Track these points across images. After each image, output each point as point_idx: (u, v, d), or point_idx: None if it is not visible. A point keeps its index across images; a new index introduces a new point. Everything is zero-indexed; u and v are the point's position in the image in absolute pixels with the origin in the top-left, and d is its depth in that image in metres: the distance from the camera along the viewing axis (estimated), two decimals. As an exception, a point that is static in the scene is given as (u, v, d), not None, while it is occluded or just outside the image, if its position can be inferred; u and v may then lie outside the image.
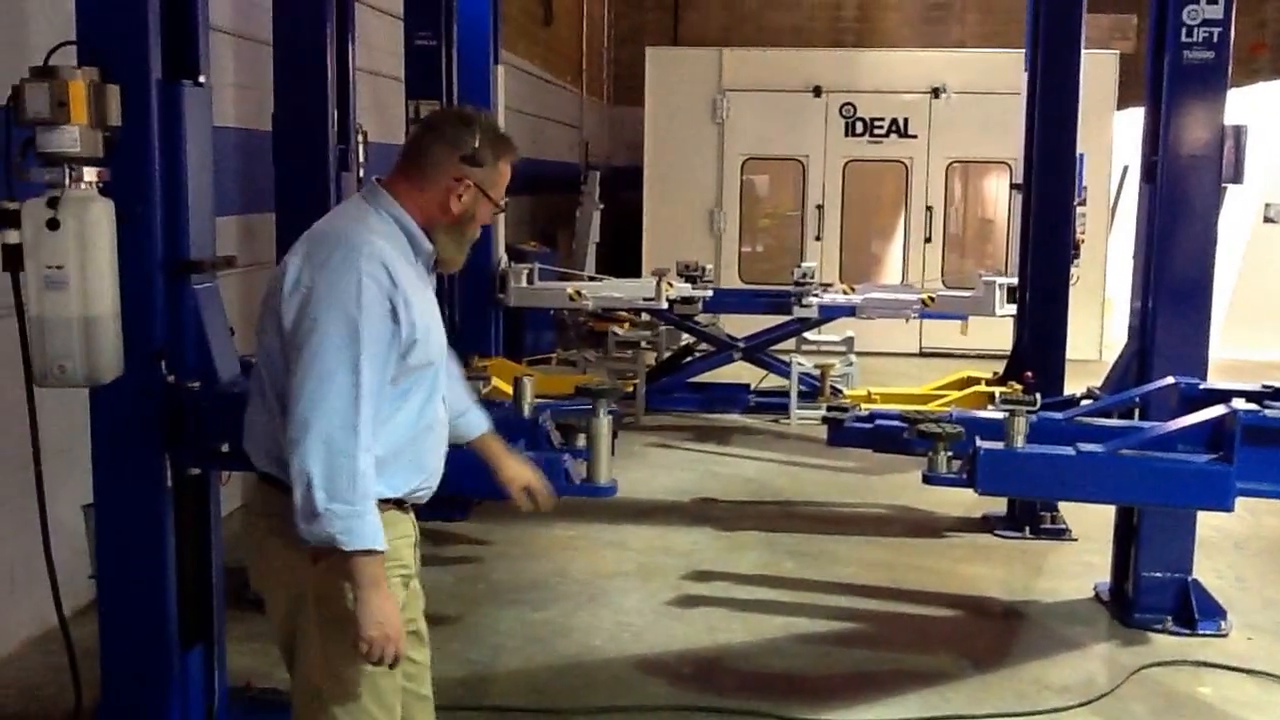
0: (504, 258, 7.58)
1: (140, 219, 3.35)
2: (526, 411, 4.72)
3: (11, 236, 3.09)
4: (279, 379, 2.46)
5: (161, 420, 3.49)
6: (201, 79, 3.51)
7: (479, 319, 7.22)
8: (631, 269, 11.47)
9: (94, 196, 3.16)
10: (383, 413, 2.43)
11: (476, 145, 2.53)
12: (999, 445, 4.28)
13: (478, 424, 2.99)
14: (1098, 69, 10.81)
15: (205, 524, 3.68)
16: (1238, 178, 5.25)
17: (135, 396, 3.41)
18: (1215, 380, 4.86)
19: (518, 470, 3.05)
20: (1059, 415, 4.91)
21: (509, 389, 5.12)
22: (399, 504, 2.60)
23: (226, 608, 3.83)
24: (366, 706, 2.53)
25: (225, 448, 3.54)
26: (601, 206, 12.43)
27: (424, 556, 5.48)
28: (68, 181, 3.10)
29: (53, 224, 3.06)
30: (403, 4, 6.87)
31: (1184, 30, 5.09)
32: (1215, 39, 5.09)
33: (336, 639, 2.46)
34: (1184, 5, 5.08)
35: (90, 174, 3.15)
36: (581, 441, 4.28)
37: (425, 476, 2.61)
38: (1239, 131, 5.20)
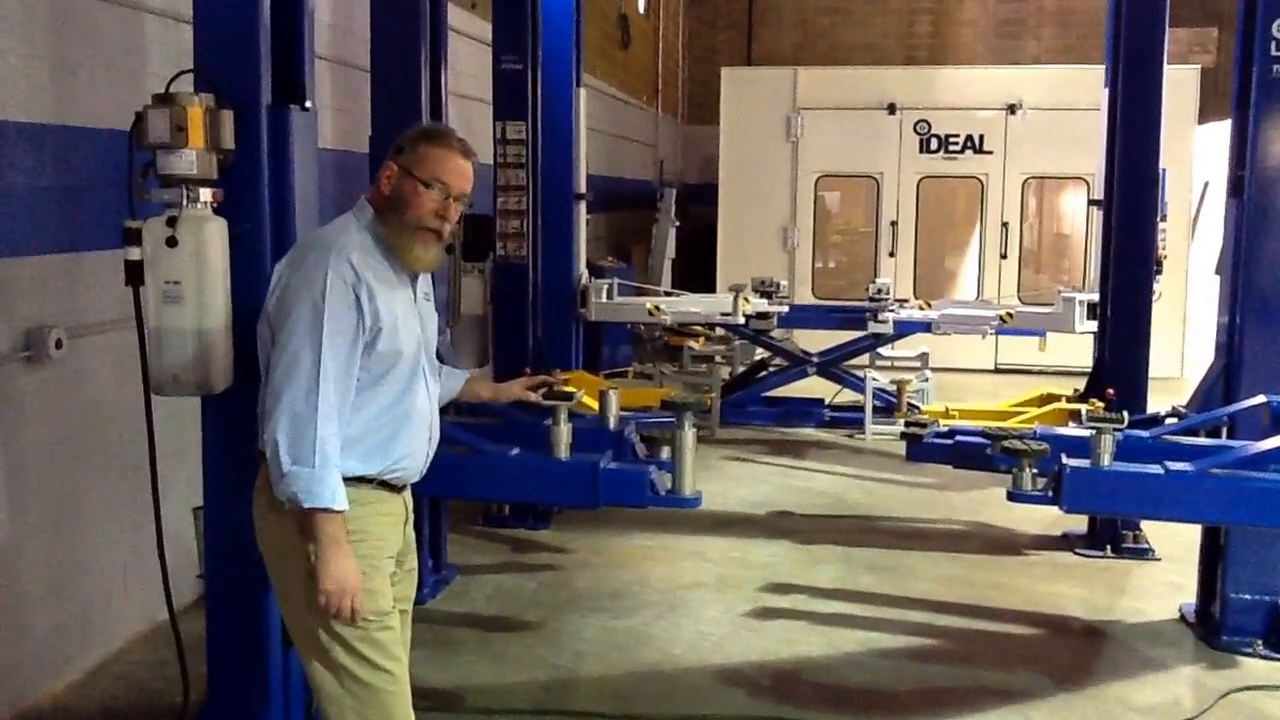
0: (584, 273, 7.68)
1: (250, 237, 3.49)
2: (612, 423, 4.84)
3: (134, 253, 3.27)
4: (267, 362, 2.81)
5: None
6: (308, 104, 3.66)
7: (560, 333, 7.33)
8: (705, 285, 11.55)
9: (209, 216, 3.32)
10: (360, 398, 2.77)
11: (404, 141, 2.88)
12: (1085, 463, 4.27)
13: (459, 376, 3.45)
14: (1178, 83, 10.68)
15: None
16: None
17: (244, 404, 3.53)
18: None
19: (507, 389, 3.63)
20: (1145, 433, 4.89)
21: (592, 402, 5.24)
22: (385, 485, 2.87)
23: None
24: (363, 654, 2.78)
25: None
26: (677, 223, 12.53)
27: (506, 564, 5.63)
28: (185, 201, 3.28)
29: (171, 241, 3.23)
30: (490, 30, 7.03)
31: (1272, 43, 5.06)
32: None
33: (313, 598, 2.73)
34: (1272, 18, 5.05)
35: (206, 194, 3.32)
36: (665, 453, 4.37)
37: (397, 459, 2.87)
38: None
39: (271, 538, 2.85)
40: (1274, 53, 5.05)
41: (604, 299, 7.61)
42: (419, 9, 5.38)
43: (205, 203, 3.32)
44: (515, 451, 4.33)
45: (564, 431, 4.28)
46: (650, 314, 7.73)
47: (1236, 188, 5.32)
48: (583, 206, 7.66)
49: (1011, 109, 11.87)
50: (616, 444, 4.66)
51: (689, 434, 4.16)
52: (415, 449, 2.92)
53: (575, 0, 7.56)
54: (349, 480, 2.74)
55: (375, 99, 5.47)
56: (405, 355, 2.83)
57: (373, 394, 2.80)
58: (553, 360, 7.04)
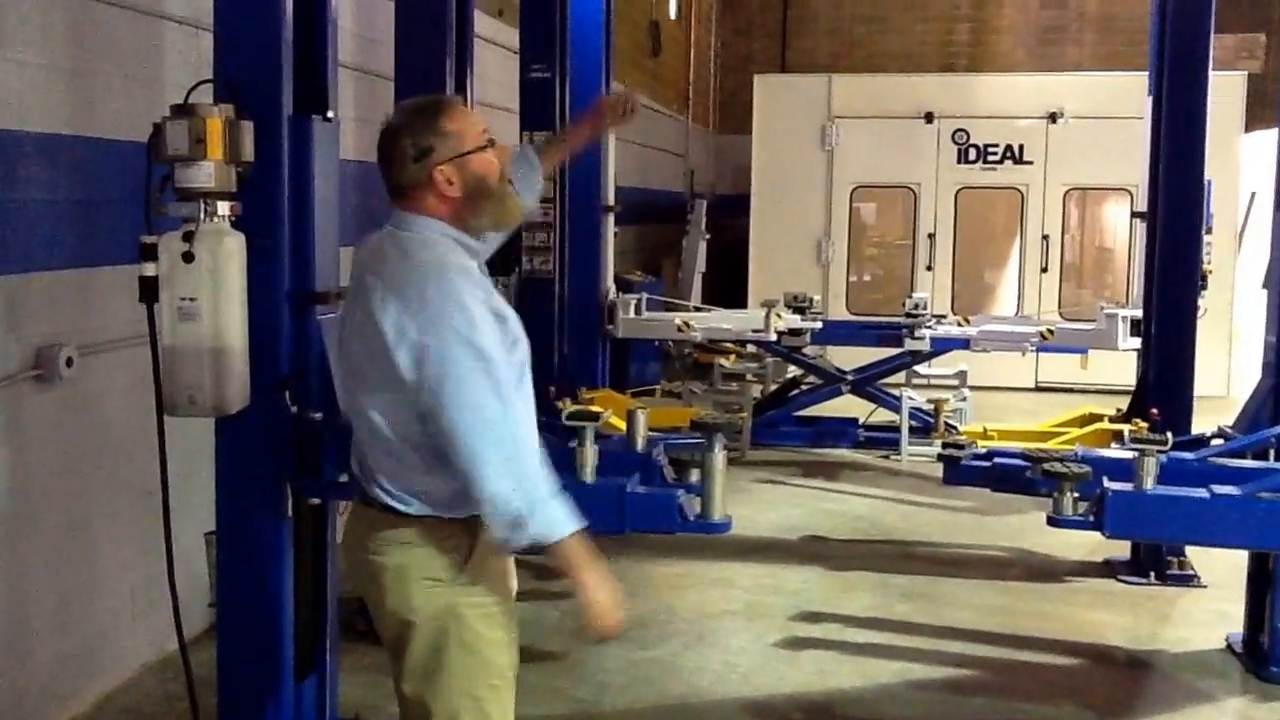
0: (612, 288, 7.57)
1: (269, 252, 3.42)
2: (640, 445, 4.70)
3: (149, 269, 3.19)
4: (404, 424, 2.51)
5: (284, 450, 3.53)
6: (330, 114, 3.58)
7: (587, 350, 7.24)
8: (737, 298, 11.39)
9: (227, 230, 3.24)
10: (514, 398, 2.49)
11: (416, 142, 2.57)
12: (1128, 486, 4.12)
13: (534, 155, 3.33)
14: (1224, 90, 10.42)
15: (322, 554, 3.71)
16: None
17: (259, 426, 3.46)
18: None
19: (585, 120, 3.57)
20: (1190, 455, 4.72)
21: (619, 422, 5.11)
22: None
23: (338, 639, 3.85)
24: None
25: (345, 478, 3.56)
26: (708, 236, 12.39)
27: (529, 591, 5.50)
28: (203, 215, 3.19)
29: (187, 257, 3.16)
30: (518, 38, 6.95)
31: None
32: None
33: (469, 661, 2.56)
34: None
35: (224, 208, 3.24)
36: (695, 476, 4.24)
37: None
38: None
39: (425, 610, 2.57)
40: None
41: (632, 314, 7.49)
42: (445, 16, 5.29)
43: (223, 217, 3.25)
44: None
45: (590, 453, 4.17)
46: (679, 330, 7.60)
47: (1280, 201, 5.15)
48: (611, 219, 7.56)
49: (1052, 118, 11.66)
50: (644, 467, 4.53)
51: (719, 457, 4.04)
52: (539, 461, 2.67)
53: (605, 7, 7.48)
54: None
55: (400, 108, 5.39)
56: (527, 359, 2.61)
57: (517, 393, 2.53)
58: (579, 378, 6.94)
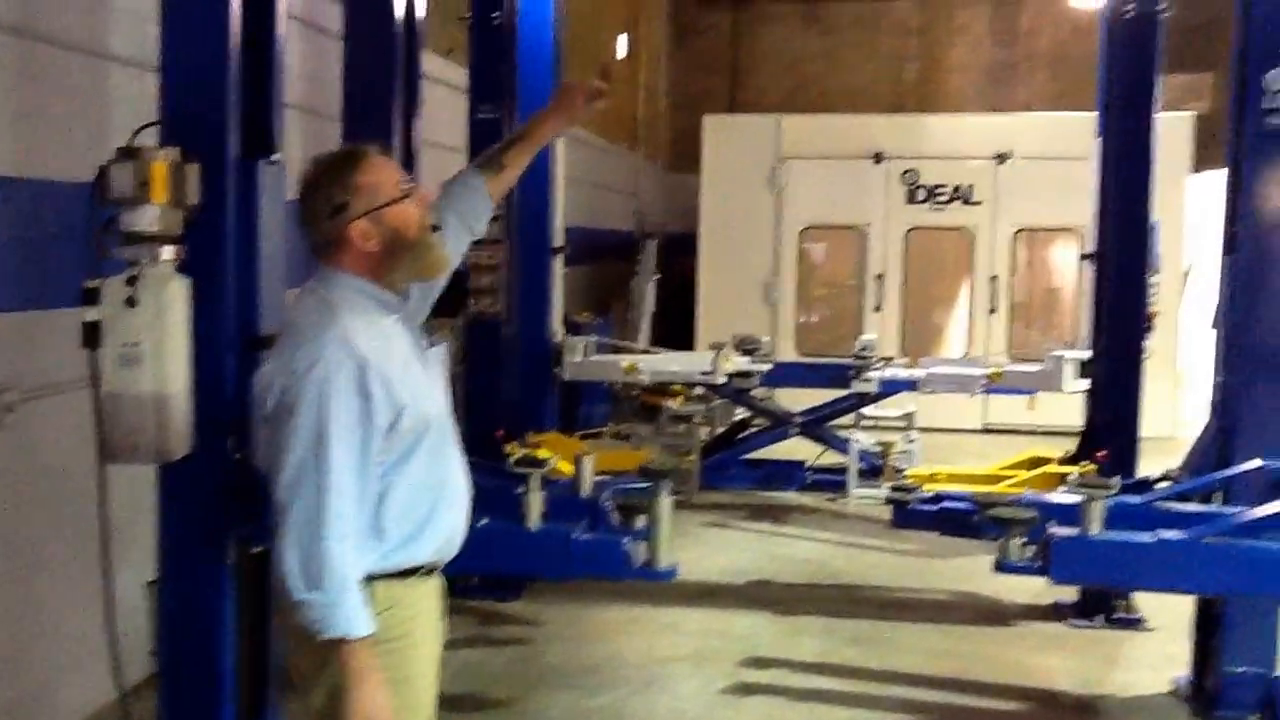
0: (560, 330, 7.52)
1: (215, 296, 3.38)
2: (587, 491, 4.67)
3: (91, 314, 3.14)
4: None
5: (228, 497, 3.46)
6: (276, 156, 3.54)
7: (535, 393, 7.17)
8: (687, 338, 11.38)
9: (172, 274, 3.21)
10: (390, 480, 2.46)
11: (330, 198, 2.53)
12: (1074, 531, 4.14)
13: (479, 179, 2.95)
14: (1171, 131, 10.60)
15: (264, 603, 3.63)
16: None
17: (202, 473, 3.40)
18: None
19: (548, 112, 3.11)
20: (1137, 499, 4.75)
21: (566, 465, 5.08)
22: (427, 571, 2.59)
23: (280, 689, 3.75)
24: None
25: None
26: (658, 276, 12.38)
27: (474, 637, 5.42)
28: (147, 259, 3.15)
29: (131, 301, 3.11)
30: (467, 77, 6.92)
31: (1264, 95, 4.95)
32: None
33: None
34: (1263, 69, 4.94)
35: (169, 252, 3.20)
36: (642, 522, 4.22)
37: (439, 538, 2.59)
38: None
39: (296, 661, 2.55)
40: (1266, 105, 4.95)
41: (580, 357, 7.44)
42: (392, 56, 5.25)
43: (168, 260, 3.20)
44: (484, 521, 4.14)
45: (536, 500, 4.16)
46: (627, 373, 7.56)
47: (1230, 244, 5.21)
48: (559, 260, 7.52)
49: (1001, 158, 11.75)
50: (591, 512, 4.51)
51: (665, 503, 4.04)
52: (456, 520, 2.64)
53: (554, 47, 7.48)
54: (388, 577, 2.48)
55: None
56: (432, 420, 2.54)
57: (403, 472, 2.49)
58: (528, 421, 6.87)
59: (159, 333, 3.14)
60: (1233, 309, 5.08)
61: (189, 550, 3.49)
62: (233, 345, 3.45)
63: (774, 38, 18.89)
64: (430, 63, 6.99)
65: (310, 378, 2.39)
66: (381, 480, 2.46)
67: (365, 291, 2.54)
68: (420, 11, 5.32)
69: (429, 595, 2.64)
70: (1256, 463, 4.60)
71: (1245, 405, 4.94)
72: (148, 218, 3.12)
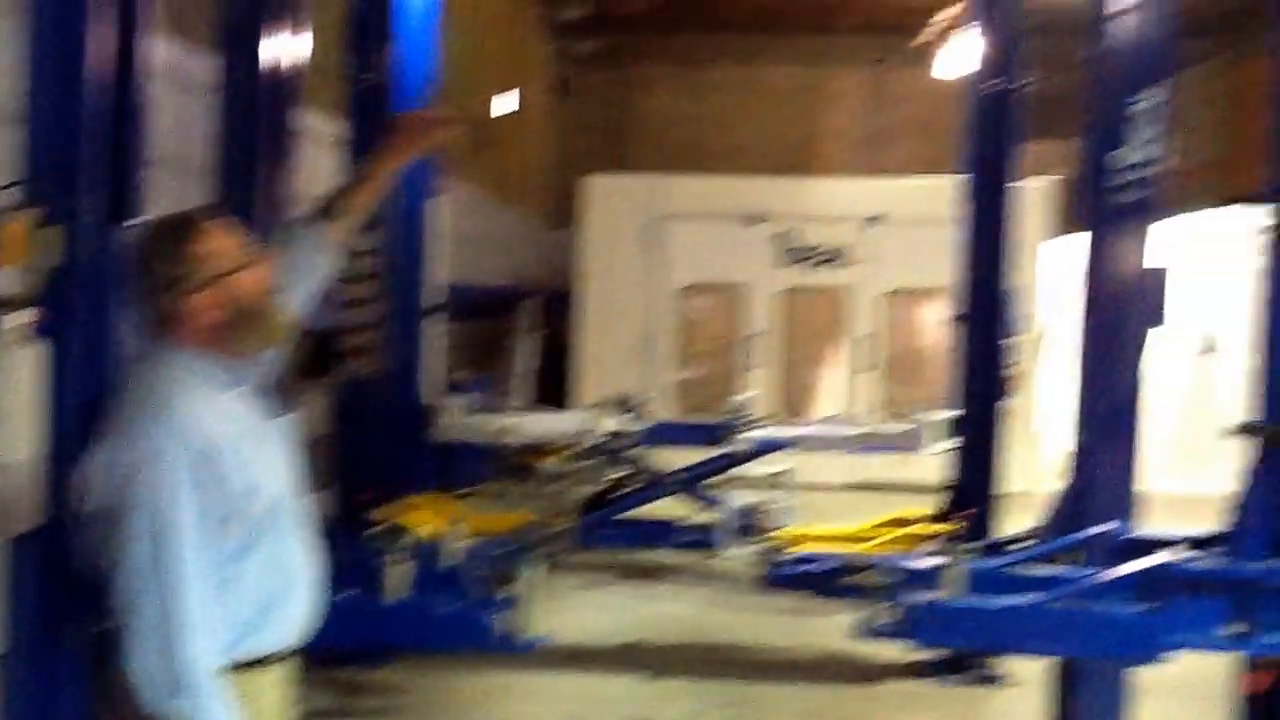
0: (436, 389, 7.45)
1: (70, 361, 3.24)
2: (453, 560, 4.60)
3: (-66, 382, 2.98)
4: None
5: (75, 573, 3.31)
6: (141, 217, 3.44)
7: (410, 454, 7.06)
8: (566, 396, 11.36)
9: (27, 338, 3.05)
10: (234, 570, 2.33)
11: (166, 271, 2.44)
12: (935, 595, 4.21)
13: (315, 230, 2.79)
14: (1033, 197, 11.03)
15: (110, 682, 3.49)
16: (1159, 320, 5.31)
17: (49, 547, 3.23)
18: (1157, 515, 4.85)
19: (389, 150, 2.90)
20: (996, 561, 4.84)
21: (438, 526, 5.01)
22: (275, 659, 2.47)
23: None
24: None
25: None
26: (539, 333, 12.37)
27: (336, 710, 5.26)
28: (3, 324, 3.00)
29: None
30: (348, 133, 6.86)
31: (1113, 172, 5.17)
32: (1144, 181, 5.17)
33: None
34: (1112, 146, 5.16)
35: (24, 316, 3.04)
36: (509, 591, 4.18)
37: (286, 624, 2.47)
38: (1160, 274, 5.27)
39: None
40: (1113, 181, 5.17)
41: (456, 418, 7.37)
42: (268, 109, 5.15)
43: (22, 324, 3.06)
44: (346, 593, 4.05)
45: (400, 571, 4.08)
46: (502, 434, 7.51)
47: (1086, 309, 5.41)
48: (437, 319, 7.46)
49: (875, 220, 12.06)
50: (457, 582, 4.44)
51: (533, 573, 4.00)
52: (302, 607, 2.52)
53: (435, 102, 7.46)
54: (229, 670, 2.33)
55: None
56: (277, 503, 2.43)
57: (246, 561, 2.37)
58: (401, 484, 6.76)
59: (8, 400, 3.02)
60: (1085, 372, 5.27)
61: (33, 627, 3.33)
62: (88, 414, 3.32)
63: (656, 98, 19.20)
64: (310, 116, 6.92)
65: (145, 472, 2.27)
66: (222, 570, 2.33)
67: (204, 369, 2.42)
68: (296, 64, 5.24)
69: (274, 686, 2.50)
70: (1106, 526, 4.74)
71: (1098, 467, 5.11)
72: (4, 281, 3.01)
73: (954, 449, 7.02)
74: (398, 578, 4.02)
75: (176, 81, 6.09)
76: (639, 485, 8.39)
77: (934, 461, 8.29)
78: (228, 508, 2.32)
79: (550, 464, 8.82)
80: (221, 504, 2.31)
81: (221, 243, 2.47)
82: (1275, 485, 4.04)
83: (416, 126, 2.91)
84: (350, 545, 4.25)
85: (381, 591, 4.04)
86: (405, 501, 6.30)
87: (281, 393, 2.75)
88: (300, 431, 5.45)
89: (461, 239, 12.25)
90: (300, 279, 2.73)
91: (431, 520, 5.58)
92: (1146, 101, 4.97)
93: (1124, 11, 4.99)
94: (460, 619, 4.07)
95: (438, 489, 7.59)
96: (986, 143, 6.97)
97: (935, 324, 12.54)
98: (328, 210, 2.82)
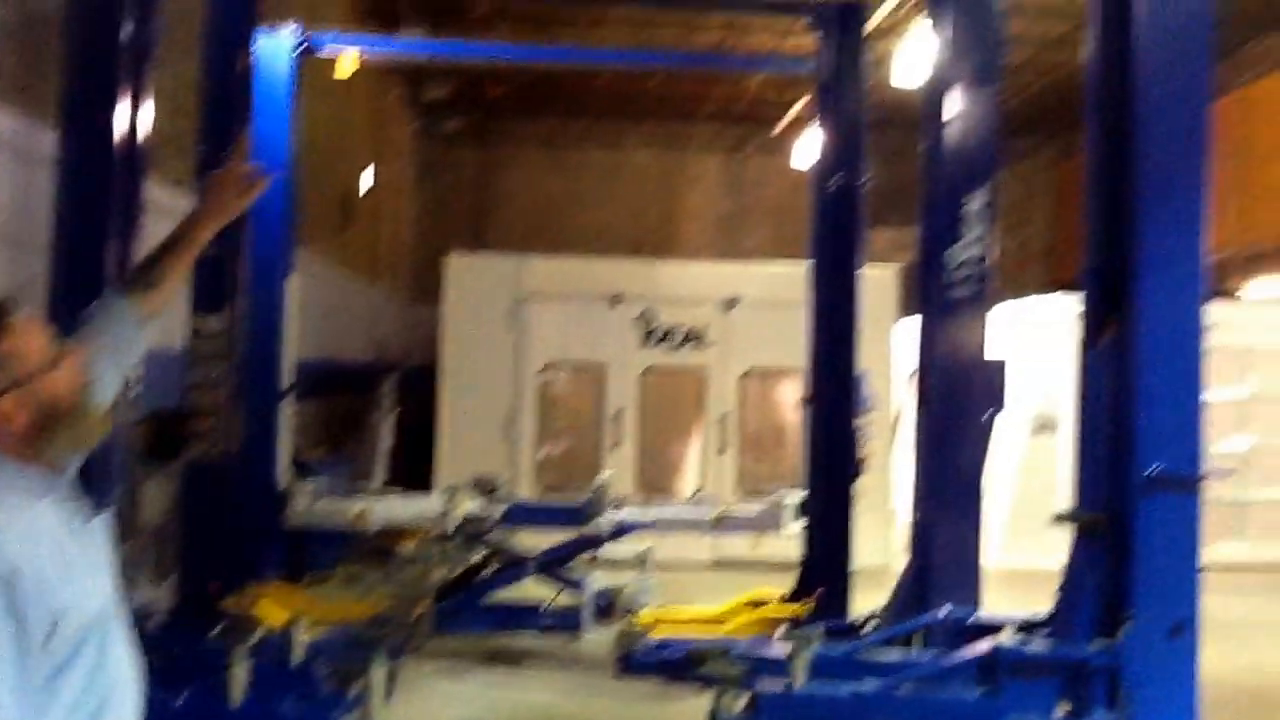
0: (288, 473, 7.30)
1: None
2: (298, 656, 4.49)
3: None
4: None
5: None
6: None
7: (259, 541, 6.90)
8: (426, 476, 11.23)
9: None
10: (49, 690, 2.15)
11: None
12: (782, 684, 4.29)
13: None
14: (879, 282, 11.43)
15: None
16: (999, 405, 5.56)
17: None
18: (999, 591, 5.02)
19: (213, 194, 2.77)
20: (842, 648, 4.96)
21: (288, 619, 4.88)
22: None
23: None
24: None
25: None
26: (396, 412, 12.22)
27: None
28: None
29: None
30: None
31: (948, 268, 5.43)
32: (977, 278, 5.44)
33: None
34: (946, 243, 5.43)
35: None
36: (361, 684, 4.10)
37: None
38: (1000, 365, 5.53)
39: None
40: (948, 277, 5.43)
41: (308, 502, 7.23)
42: (110, 184, 5.02)
43: None
44: (186, 694, 3.94)
45: (239, 673, 3.96)
46: (356, 519, 7.38)
47: (922, 398, 5.63)
48: (289, 400, 7.34)
49: (731, 303, 12.31)
50: (302, 680, 4.34)
51: (379, 672, 3.93)
52: (130, 714, 2.33)
53: (289, 180, 7.42)
54: None
55: (54, 286, 5.04)
56: (94, 618, 2.25)
57: (62, 684, 2.19)
58: (249, 571, 6.59)
59: None
60: (922, 455, 5.48)
61: None
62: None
63: (518, 177, 19.39)
64: (156, 191, 6.78)
65: None
66: (38, 691, 2.16)
67: (11, 478, 2.22)
68: (143, 137, 5.12)
69: None
70: (945, 609, 4.91)
71: (939, 546, 5.30)
72: None
73: (806, 528, 7.17)
74: (240, 678, 3.90)
75: (17, 154, 5.92)
76: (498, 568, 8.33)
77: (787, 539, 8.46)
78: (42, 632, 2.15)
79: (408, 547, 8.69)
80: (34, 630, 2.13)
81: (28, 340, 2.27)
82: (1094, 571, 4.25)
83: (226, 185, 2.78)
84: (193, 641, 4.12)
85: (225, 692, 3.91)
86: (255, 591, 6.14)
87: (105, 487, 2.63)
88: (140, 521, 5.30)
89: (323, 314, 12.09)
90: (114, 362, 2.58)
91: (280, 611, 5.44)
92: (975, 201, 5.26)
93: (953, 119, 5.29)
94: (307, 717, 3.97)
95: (290, 576, 7.42)
96: (832, 231, 7.25)
97: (790, 403, 12.84)
98: (140, 280, 2.65)
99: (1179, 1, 4.25)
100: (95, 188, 5.03)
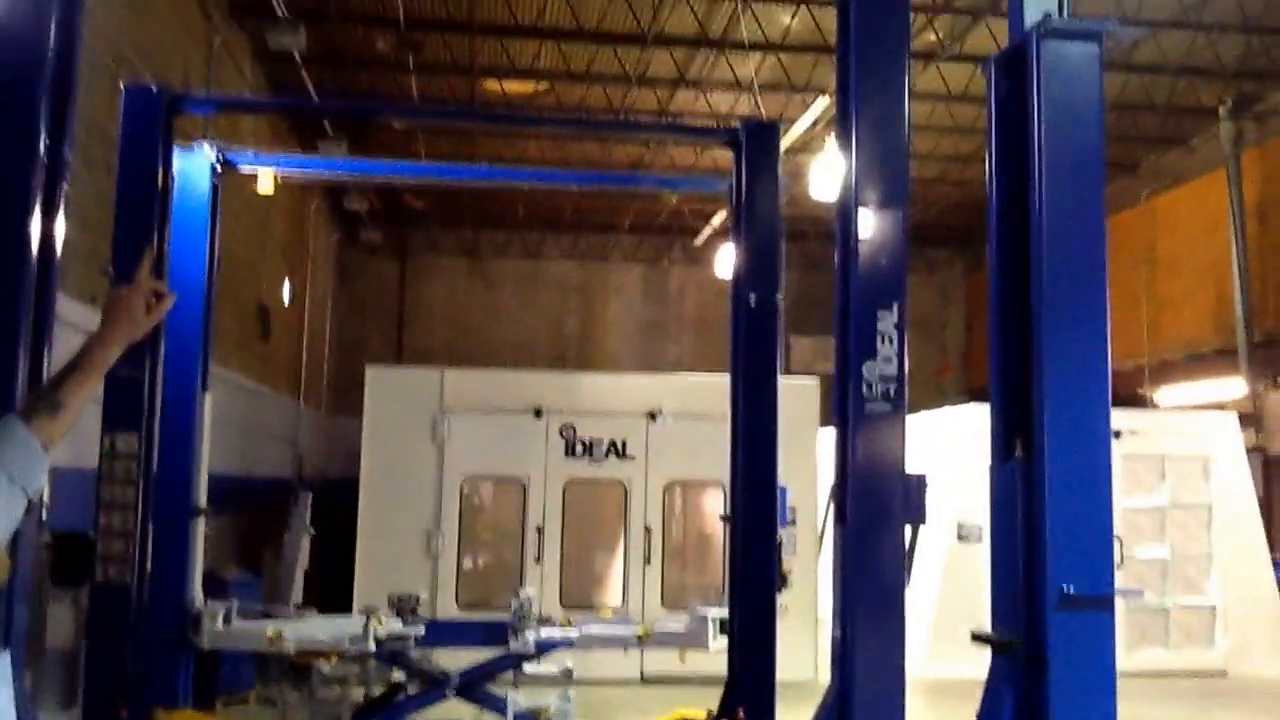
0: (199, 595, 7.09)
1: None
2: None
3: None
4: None
5: None
6: None
7: (168, 664, 6.66)
8: (345, 591, 10.98)
9: None
10: None
11: None
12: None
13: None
14: (801, 393, 11.55)
15: None
16: (920, 520, 5.59)
17: None
18: (922, 702, 5.00)
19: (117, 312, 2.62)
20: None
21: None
22: None
23: None
24: None
25: None
26: (312, 531, 11.98)
27: None
28: None
29: None
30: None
31: (864, 385, 5.50)
32: (892, 393, 5.50)
33: None
34: (861, 358, 5.51)
35: None
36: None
37: None
38: (920, 481, 5.58)
39: None
40: (865, 393, 5.50)
41: (220, 624, 7.01)
42: (22, 300, 4.90)
43: None
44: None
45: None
46: (270, 642, 7.15)
47: (840, 513, 5.65)
48: (200, 521, 7.17)
49: (652, 415, 12.32)
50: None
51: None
52: None
53: (205, 295, 7.34)
54: None
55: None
56: None
57: None
58: (158, 695, 6.36)
59: None
60: (843, 568, 5.48)
61: None
62: None
63: (438, 288, 19.44)
64: (70, 309, 6.68)
65: None
66: None
67: None
68: (52, 252, 5.04)
69: None
70: (870, 724, 4.87)
71: (858, 662, 5.28)
72: None
73: (730, 644, 7.11)
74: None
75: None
76: (417, 689, 8.13)
77: (713, 655, 8.37)
78: None
79: (326, 666, 8.46)
80: None
81: None
82: (1012, 689, 4.26)
83: (131, 302, 2.64)
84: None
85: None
86: (164, 716, 5.92)
87: (8, 615, 2.56)
88: (46, 645, 5.12)
89: (240, 428, 11.90)
90: (10, 496, 2.42)
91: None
92: (887, 318, 5.37)
93: (863, 240, 5.42)
94: None
95: (201, 700, 7.16)
96: (751, 343, 7.32)
97: (712, 513, 12.81)
98: (42, 403, 2.50)
99: (1073, 131, 4.44)
100: (6, 302, 4.93)
